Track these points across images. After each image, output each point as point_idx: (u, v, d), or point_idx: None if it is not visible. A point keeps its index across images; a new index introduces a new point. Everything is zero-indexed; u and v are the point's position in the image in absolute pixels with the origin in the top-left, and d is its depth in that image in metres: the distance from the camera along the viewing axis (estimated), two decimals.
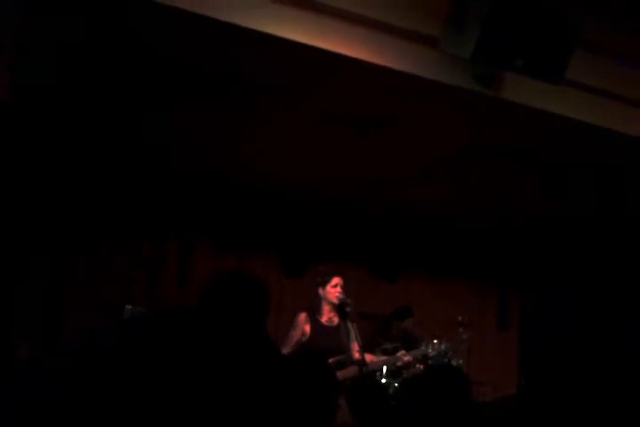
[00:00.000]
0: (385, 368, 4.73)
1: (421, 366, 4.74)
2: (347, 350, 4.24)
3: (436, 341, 4.67)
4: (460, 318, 5.52)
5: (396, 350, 4.75)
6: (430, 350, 4.60)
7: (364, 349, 4.32)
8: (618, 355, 5.79)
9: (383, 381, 4.70)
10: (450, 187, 5.06)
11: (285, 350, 4.13)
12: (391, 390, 4.67)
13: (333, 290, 4.28)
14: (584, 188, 4.81)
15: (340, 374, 3.92)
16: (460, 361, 5.12)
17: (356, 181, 5.04)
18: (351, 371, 4.13)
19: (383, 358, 4.65)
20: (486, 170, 4.59)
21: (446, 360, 4.81)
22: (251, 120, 4.13)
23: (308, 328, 4.24)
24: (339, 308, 4.31)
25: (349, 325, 4.34)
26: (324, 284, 4.33)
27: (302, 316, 4.27)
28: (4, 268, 4.86)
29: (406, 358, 4.53)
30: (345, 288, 4.36)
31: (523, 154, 4.30)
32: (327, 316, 4.33)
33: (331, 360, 3.94)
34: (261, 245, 5.91)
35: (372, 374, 4.56)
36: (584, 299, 6.26)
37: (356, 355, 4.24)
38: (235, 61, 3.46)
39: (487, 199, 5.20)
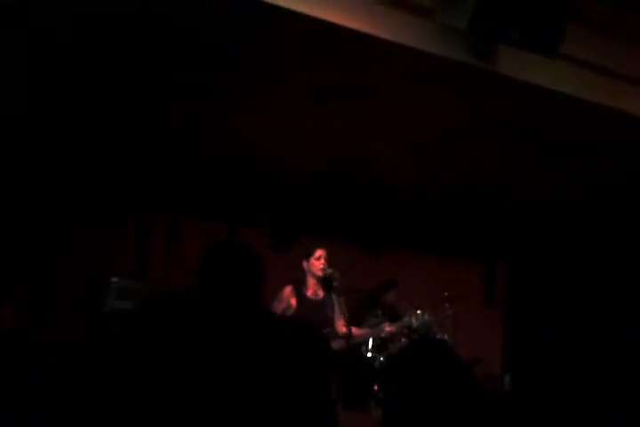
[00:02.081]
0: (371, 342, 4.76)
1: (407, 340, 4.78)
2: (331, 323, 4.28)
3: (419, 311, 4.69)
4: (446, 294, 5.56)
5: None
6: (414, 321, 4.63)
7: (352, 323, 4.37)
8: (605, 332, 5.85)
9: (369, 355, 4.74)
10: (439, 163, 5.02)
11: None
12: (377, 364, 4.71)
13: (317, 262, 4.29)
14: (577, 165, 4.79)
15: None
16: (445, 336, 5.17)
17: (344, 156, 4.99)
18: (337, 344, 4.16)
19: (367, 330, 4.67)
20: (478, 146, 4.55)
21: (431, 334, 4.85)
22: (239, 93, 4.05)
23: (293, 302, 4.26)
24: (324, 281, 4.34)
25: (334, 298, 4.38)
26: (307, 257, 4.35)
27: (288, 289, 4.28)
28: None
29: (388, 329, 4.59)
30: (332, 263, 4.37)
31: (516, 129, 4.26)
32: (312, 289, 4.35)
33: None
34: (250, 217, 5.88)
35: (357, 347, 4.59)
36: (572, 275, 6.30)
37: (341, 328, 4.28)
38: (221, 29, 3.37)
39: (476, 176, 5.18)
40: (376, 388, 4.41)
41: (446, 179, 5.30)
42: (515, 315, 6.72)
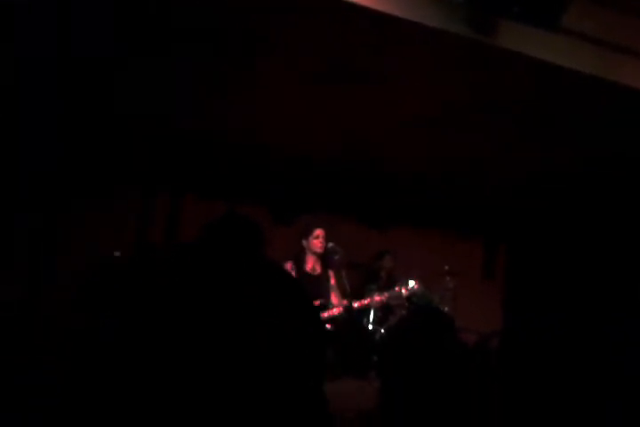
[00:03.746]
0: (372, 315, 4.84)
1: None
2: (329, 296, 4.51)
3: (411, 281, 4.72)
4: (446, 268, 5.60)
5: None
6: (403, 291, 4.67)
7: (354, 297, 4.56)
8: (600, 308, 5.88)
9: (370, 327, 4.81)
10: (439, 140, 5.01)
11: None
12: (377, 336, 4.78)
13: (316, 241, 4.57)
14: (577, 142, 4.78)
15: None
16: (446, 308, 5.23)
17: (345, 134, 4.99)
18: (331, 312, 4.37)
19: (362, 301, 4.76)
20: (478, 122, 4.54)
21: (429, 304, 4.92)
22: (238, 74, 4.05)
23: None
24: (323, 257, 4.61)
25: (333, 272, 4.66)
26: (306, 236, 4.61)
27: (288, 265, 4.53)
28: None
29: (377, 299, 4.70)
30: (335, 238, 4.63)
31: (516, 105, 4.24)
32: (310, 265, 4.61)
33: None
34: (252, 193, 5.90)
35: (359, 319, 4.72)
36: (571, 248, 6.31)
37: (338, 301, 4.49)
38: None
39: (477, 152, 5.17)
40: (376, 358, 4.50)
41: (448, 155, 5.29)
42: (514, 287, 6.76)
